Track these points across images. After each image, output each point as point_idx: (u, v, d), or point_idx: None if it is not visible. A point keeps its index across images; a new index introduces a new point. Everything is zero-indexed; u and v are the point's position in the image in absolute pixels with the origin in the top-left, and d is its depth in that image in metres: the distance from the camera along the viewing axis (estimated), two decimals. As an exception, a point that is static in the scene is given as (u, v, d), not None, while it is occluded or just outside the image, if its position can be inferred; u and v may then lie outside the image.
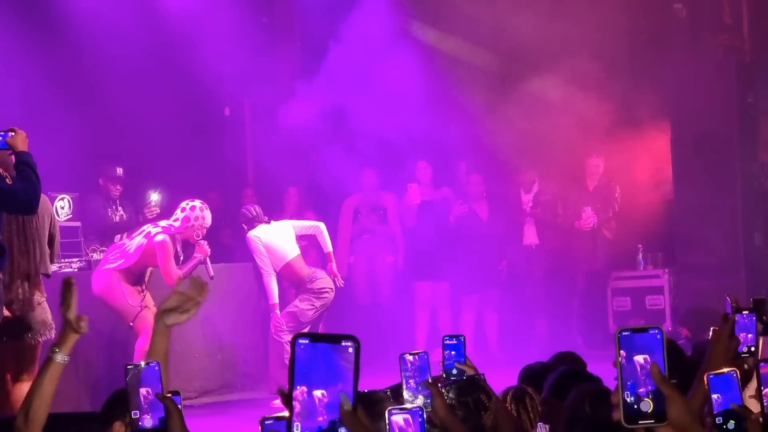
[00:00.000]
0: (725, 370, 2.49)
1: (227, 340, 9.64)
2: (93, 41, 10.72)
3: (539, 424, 3.78)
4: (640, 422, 1.99)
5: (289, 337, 8.65)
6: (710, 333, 3.12)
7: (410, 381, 3.25)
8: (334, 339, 1.82)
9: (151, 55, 11.13)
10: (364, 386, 3.34)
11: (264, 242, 9.16)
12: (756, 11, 11.27)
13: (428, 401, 3.13)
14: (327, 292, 9.19)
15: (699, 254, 11.04)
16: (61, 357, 3.16)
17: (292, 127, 11.33)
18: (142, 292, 8.46)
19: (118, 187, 10.18)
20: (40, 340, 6.73)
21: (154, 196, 10.02)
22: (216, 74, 11.31)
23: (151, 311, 8.32)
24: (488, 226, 11.42)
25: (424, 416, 2.64)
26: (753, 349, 3.34)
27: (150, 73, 11.15)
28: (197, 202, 8.68)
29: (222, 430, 8.07)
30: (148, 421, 2.73)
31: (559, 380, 3.92)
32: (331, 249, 9.39)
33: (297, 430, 1.79)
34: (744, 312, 3.35)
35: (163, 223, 8.61)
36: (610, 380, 2.69)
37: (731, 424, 2.40)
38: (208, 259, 8.72)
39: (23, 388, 6.57)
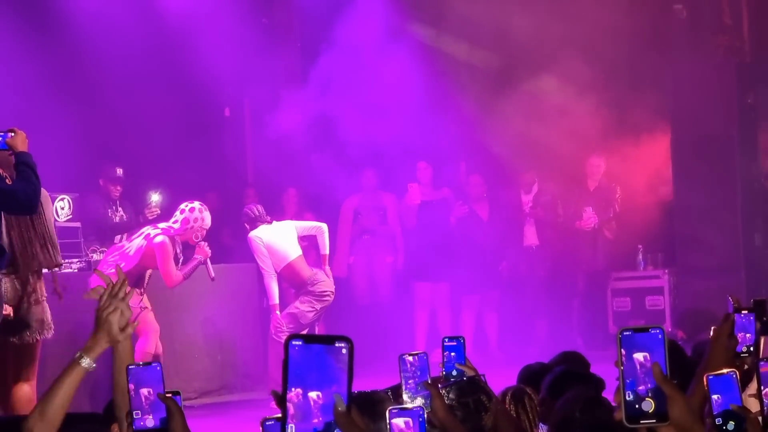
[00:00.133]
0: (725, 370, 2.49)
1: (227, 341, 9.65)
2: (93, 42, 10.72)
3: (540, 424, 3.78)
4: (641, 422, 1.99)
5: (289, 338, 8.64)
6: (711, 332, 3.12)
7: (409, 382, 3.25)
8: (328, 340, 1.82)
9: (151, 56, 11.13)
10: (365, 387, 3.34)
11: (265, 242, 9.15)
12: (756, 12, 11.27)
13: (427, 402, 3.13)
14: (328, 295, 9.20)
15: (699, 255, 11.05)
16: (87, 363, 3.09)
17: (291, 128, 11.33)
18: (141, 293, 8.46)
19: (118, 188, 10.18)
20: (39, 339, 6.73)
21: (155, 197, 10.02)
22: (216, 75, 11.30)
23: (151, 312, 8.33)
24: (488, 226, 11.43)
25: (425, 416, 2.64)
26: (751, 348, 3.34)
27: (150, 73, 11.15)
28: (196, 204, 8.66)
29: (222, 430, 8.07)
30: (149, 422, 2.73)
31: (557, 381, 3.92)
32: (327, 251, 9.37)
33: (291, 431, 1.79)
34: (743, 312, 3.35)
35: (162, 225, 8.60)
36: (610, 380, 2.70)
37: (731, 425, 2.40)
38: (208, 260, 8.72)
39: (23, 387, 6.57)
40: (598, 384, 4.01)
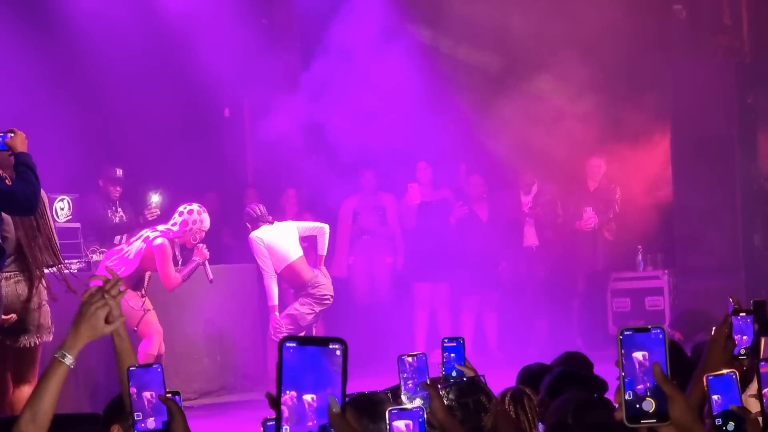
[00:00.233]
0: (725, 371, 2.49)
1: (227, 342, 9.64)
2: (93, 42, 10.71)
3: (539, 425, 3.78)
4: (642, 422, 1.99)
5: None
6: (712, 332, 3.12)
7: (408, 382, 3.25)
8: (322, 342, 1.81)
9: (150, 56, 11.13)
10: (364, 387, 3.34)
11: (266, 243, 9.14)
12: (756, 12, 11.28)
13: (426, 402, 3.13)
14: (328, 299, 9.21)
15: (699, 255, 11.06)
16: (71, 361, 3.06)
17: (291, 129, 11.33)
18: (143, 296, 8.45)
19: (118, 189, 10.17)
20: (39, 342, 6.73)
21: (155, 198, 10.01)
22: (215, 75, 11.30)
23: (154, 314, 8.33)
24: (488, 227, 11.42)
25: (425, 416, 2.64)
26: (749, 351, 3.34)
27: (150, 74, 11.14)
28: (195, 206, 8.63)
29: (221, 431, 8.07)
30: (150, 424, 2.72)
31: (555, 381, 3.92)
32: (324, 253, 9.36)
33: None
34: (740, 314, 3.35)
35: (161, 227, 8.57)
36: (611, 380, 2.70)
37: (731, 426, 2.40)
38: (206, 262, 8.70)
39: (23, 390, 6.56)
40: (600, 385, 4.01)
